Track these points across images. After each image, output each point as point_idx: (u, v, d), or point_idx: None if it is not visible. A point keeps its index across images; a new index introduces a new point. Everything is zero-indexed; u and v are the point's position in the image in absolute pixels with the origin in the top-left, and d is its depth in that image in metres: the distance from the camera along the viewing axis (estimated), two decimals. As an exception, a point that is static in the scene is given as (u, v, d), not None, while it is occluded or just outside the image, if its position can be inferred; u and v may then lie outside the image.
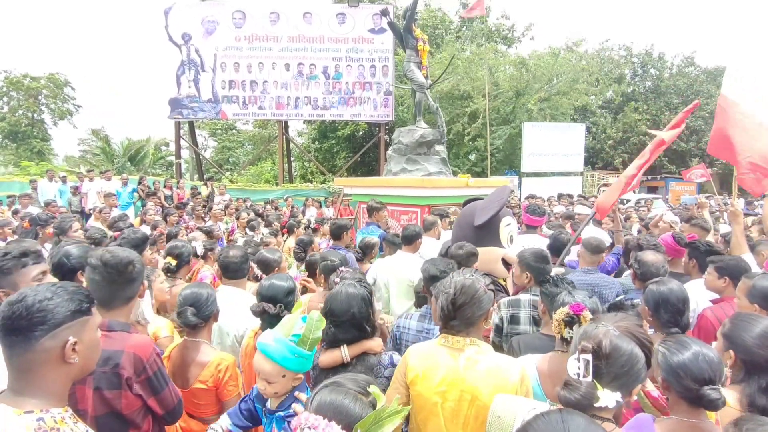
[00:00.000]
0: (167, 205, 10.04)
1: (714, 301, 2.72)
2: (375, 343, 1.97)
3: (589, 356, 1.27)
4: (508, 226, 3.49)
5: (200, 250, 4.06)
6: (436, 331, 2.32)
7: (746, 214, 7.27)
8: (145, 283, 1.90)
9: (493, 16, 22.43)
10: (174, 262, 3.26)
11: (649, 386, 2.06)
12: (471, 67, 17.65)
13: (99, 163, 21.72)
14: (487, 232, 3.39)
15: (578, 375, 1.26)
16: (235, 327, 2.60)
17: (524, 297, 2.77)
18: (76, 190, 11.34)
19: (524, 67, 18.12)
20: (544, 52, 19.68)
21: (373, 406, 1.22)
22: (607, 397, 1.21)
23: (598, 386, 1.23)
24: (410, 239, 4.08)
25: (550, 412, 0.97)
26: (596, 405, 1.21)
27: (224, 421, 1.80)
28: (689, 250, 3.28)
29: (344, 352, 1.89)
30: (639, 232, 5.77)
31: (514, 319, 2.72)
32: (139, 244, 3.56)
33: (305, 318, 1.66)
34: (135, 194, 11.37)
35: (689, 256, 3.27)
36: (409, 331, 2.42)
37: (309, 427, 1.08)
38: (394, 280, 3.78)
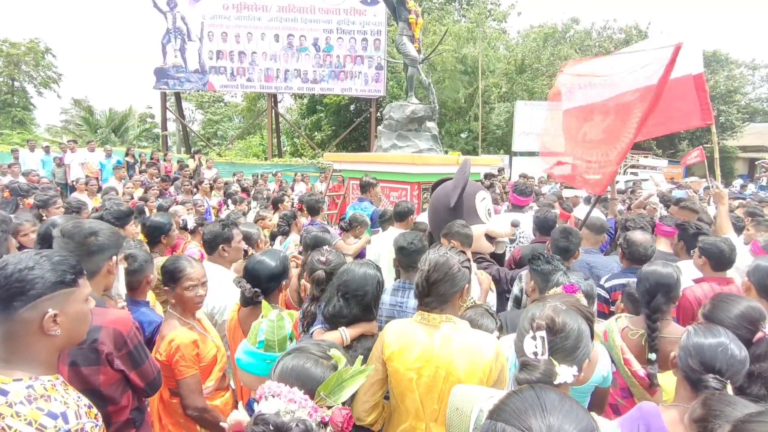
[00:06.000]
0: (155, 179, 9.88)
1: (696, 281, 2.76)
2: (372, 326, 1.99)
3: (544, 333, 1.26)
4: (483, 201, 3.49)
5: (191, 224, 3.97)
6: (409, 303, 2.36)
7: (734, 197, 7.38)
8: (113, 259, 1.81)
9: None
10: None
11: (635, 366, 2.09)
12: (464, 41, 17.43)
13: (82, 134, 21.23)
14: (464, 211, 3.38)
15: (535, 354, 1.24)
16: (204, 304, 2.55)
17: None
18: (60, 162, 11.08)
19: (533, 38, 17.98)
20: (540, 29, 19.51)
21: (335, 368, 1.21)
22: (565, 372, 1.21)
23: (555, 363, 1.23)
24: (403, 215, 4.08)
25: (522, 390, 0.95)
26: (556, 382, 1.20)
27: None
28: (679, 232, 3.32)
29: (344, 335, 1.89)
30: (621, 212, 5.81)
31: None
32: (122, 217, 3.48)
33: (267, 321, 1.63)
34: (120, 167, 11.16)
35: (678, 237, 3.31)
36: (383, 306, 2.42)
37: (272, 395, 1.08)
38: (385, 255, 3.79)
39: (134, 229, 3.59)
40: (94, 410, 1.29)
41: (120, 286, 1.96)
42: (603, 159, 3.82)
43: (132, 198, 6.65)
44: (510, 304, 2.95)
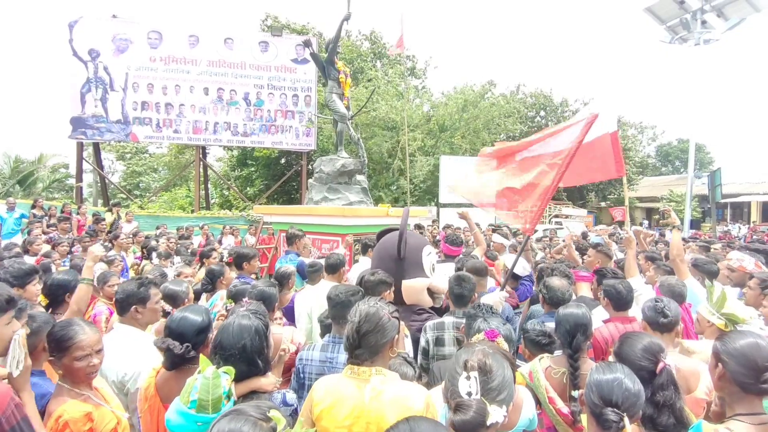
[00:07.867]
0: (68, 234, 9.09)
1: (605, 321, 2.96)
2: (267, 381, 1.84)
3: (476, 373, 1.29)
4: (429, 256, 3.55)
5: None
6: (339, 359, 2.29)
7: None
8: None
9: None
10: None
11: (559, 404, 2.18)
12: (388, 97, 18.35)
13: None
14: (410, 263, 3.41)
15: (470, 394, 1.26)
16: (115, 371, 2.33)
17: (448, 319, 2.87)
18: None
19: (446, 102, 19.22)
20: (458, 91, 21.03)
21: (275, 431, 1.16)
22: (496, 413, 1.23)
23: (487, 403, 1.25)
24: (334, 268, 4.03)
25: (397, 425, 0.99)
26: (488, 422, 1.21)
27: None
28: (597, 277, 3.53)
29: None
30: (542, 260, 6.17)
31: (439, 341, 2.81)
32: (22, 276, 3.13)
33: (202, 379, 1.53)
34: (24, 220, 10.17)
35: (597, 282, 3.51)
36: (312, 363, 2.34)
37: None
38: (317, 309, 3.70)
39: (36, 289, 3.25)
40: None
41: (12, 359, 1.69)
42: (523, 203, 4.15)
43: (37, 255, 6.05)
44: (419, 357, 2.92)
